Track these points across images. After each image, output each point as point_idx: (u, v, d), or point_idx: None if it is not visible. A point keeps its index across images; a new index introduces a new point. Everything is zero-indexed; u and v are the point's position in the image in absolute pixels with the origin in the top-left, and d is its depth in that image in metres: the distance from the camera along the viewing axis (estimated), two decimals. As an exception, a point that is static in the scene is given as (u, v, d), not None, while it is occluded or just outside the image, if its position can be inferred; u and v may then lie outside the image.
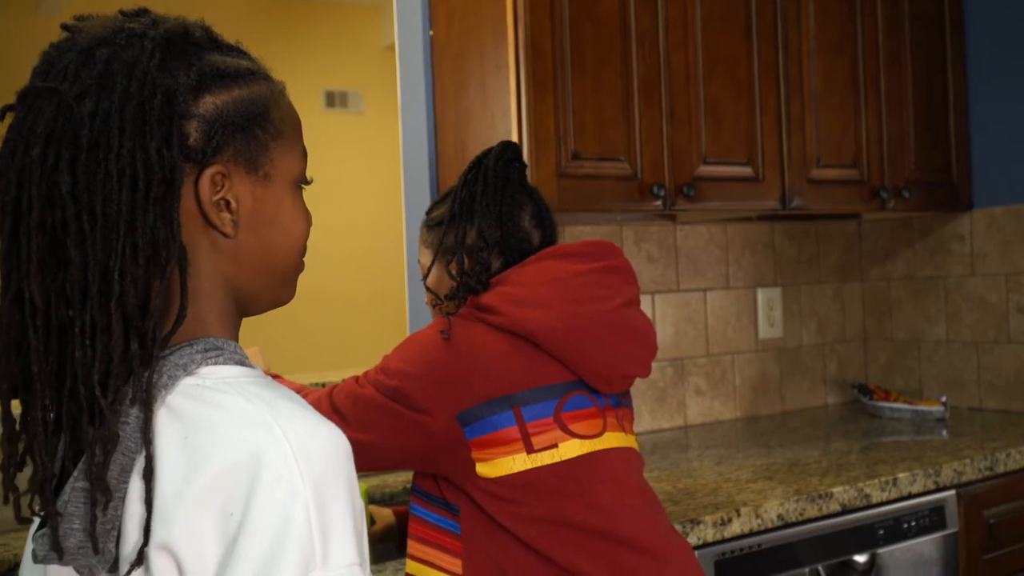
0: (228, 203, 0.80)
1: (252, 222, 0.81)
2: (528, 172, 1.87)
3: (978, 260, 2.61)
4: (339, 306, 5.36)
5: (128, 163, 0.72)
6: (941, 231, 2.69)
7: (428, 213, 1.45)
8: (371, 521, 1.63)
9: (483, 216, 1.33)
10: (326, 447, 0.71)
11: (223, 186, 0.79)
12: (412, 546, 1.28)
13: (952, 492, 1.95)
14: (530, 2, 1.86)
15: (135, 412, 0.72)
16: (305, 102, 5.27)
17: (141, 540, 0.70)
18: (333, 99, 5.42)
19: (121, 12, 0.80)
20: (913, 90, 2.47)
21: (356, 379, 1.31)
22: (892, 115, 2.42)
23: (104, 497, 0.70)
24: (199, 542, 0.68)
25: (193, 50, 0.79)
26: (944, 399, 2.46)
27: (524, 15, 1.86)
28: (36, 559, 0.72)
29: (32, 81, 0.75)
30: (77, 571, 0.73)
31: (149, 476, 0.70)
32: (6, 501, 0.75)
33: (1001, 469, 2.03)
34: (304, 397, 1.33)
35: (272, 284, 0.86)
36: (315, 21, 5.39)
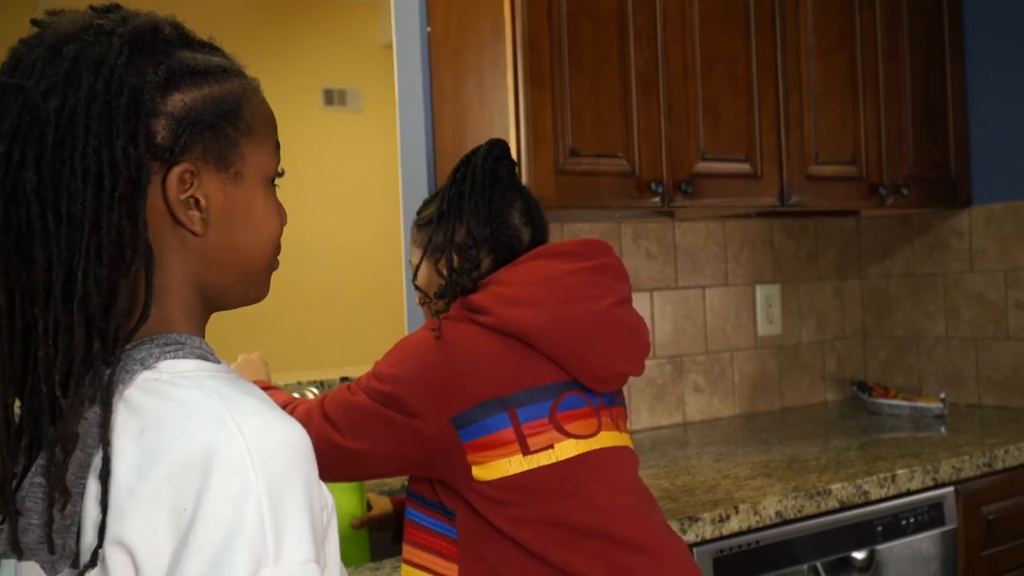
0: (197, 201, 0.78)
1: (223, 220, 0.80)
2: (525, 169, 1.87)
3: (977, 257, 2.60)
4: (337, 304, 5.35)
5: (94, 162, 0.71)
6: (940, 228, 2.68)
7: (418, 212, 1.44)
8: (368, 507, 1.63)
9: (472, 214, 1.32)
10: (283, 443, 0.71)
11: (192, 184, 0.78)
12: (408, 551, 1.27)
13: (951, 489, 1.95)
14: (528, -2, 1.86)
15: (95, 409, 0.71)
16: (303, 100, 5.26)
17: (96, 540, 0.69)
18: (332, 97, 5.41)
19: (92, 7, 0.79)
20: (911, 86, 2.47)
21: (348, 387, 1.28)
22: (891, 111, 2.42)
23: (62, 497, 0.70)
24: (153, 537, 0.68)
25: (162, 47, 0.78)
26: (943, 396, 2.46)
27: (521, 11, 1.86)
28: None
29: (6, 72, 0.74)
30: (41, 567, 0.73)
31: (105, 477, 0.69)
32: None
33: (1000, 465, 2.03)
34: (294, 407, 1.31)
35: (242, 281, 0.85)
36: (313, 18, 5.39)
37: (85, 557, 0.70)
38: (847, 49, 2.35)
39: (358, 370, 2.15)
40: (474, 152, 1.37)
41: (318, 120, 5.34)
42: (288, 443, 0.71)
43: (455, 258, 1.32)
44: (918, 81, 2.48)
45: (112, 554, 0.69)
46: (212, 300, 0.84)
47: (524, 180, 1.87)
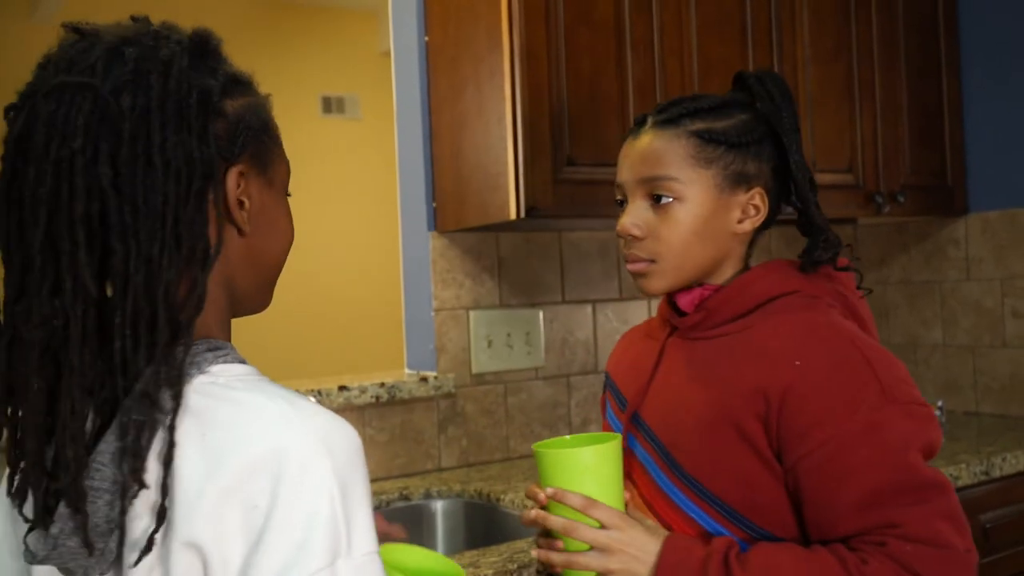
0: (242, 202, 0.82)
1: (258, 222, 0.84)
2: (523, 178, 1.87)
3: (973, 265, 2.61)
4: (336, 311, 5.35)
5: (173, 156, 0.73)
6: (937, 236, 2.69)
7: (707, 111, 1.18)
8: None
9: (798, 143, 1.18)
10: (345, 440, 0.73)
11: (241, 185, 0.82)
12: None
13: (948, 497, 1.95)
14: (525, 7, 1.87)
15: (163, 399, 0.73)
16: (302, 107, 5.27)
17: (152, 525, 0.70)
18: (330, 104, 5.42)
19: (132, 18, 0.82)
20: (908, 95, 2.47)
21: (898, 455, 1.03)
22: (887, 120, 2.42)
23: (136, 485, 0.70)
24: (224, 536, 0.69)
25: (214, 55, 0.82)
26: (940, 403, 2.46)
27: (519, 20, 1.86)
28: (34, 559, 0.73)
29: (55, 77, 0.74)
30: (66, 572, 0.73)
31: (168, 462, 0.70)
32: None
33: (997, 473, 2.03)
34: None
35: (261, 286, 0.88)
36: (312, 26, 5.40)
37: (135, 549, 0.71)
38: (843, 58, 2.35)
39: (357, 378, 2.16)
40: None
41: (317, 128, 5.34)
42: (349, 440, 0.74)
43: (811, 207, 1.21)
44: (914, 90, 2.49)
45: (181, 555, 0.70)
46: (236, 304, 0.86)
47: (521, 189, 1.87)
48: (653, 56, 2.03)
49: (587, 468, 1.06)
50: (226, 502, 0.69)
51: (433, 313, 2.15)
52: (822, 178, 2.29)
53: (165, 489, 0.70)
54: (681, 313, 1.21)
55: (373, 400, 2.04)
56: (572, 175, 1.91)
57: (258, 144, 0.83)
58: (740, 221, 1.17)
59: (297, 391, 0.82)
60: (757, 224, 1.18)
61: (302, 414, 0.73)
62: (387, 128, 2.38)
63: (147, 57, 0.75)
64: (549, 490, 1.07)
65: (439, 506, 1.98)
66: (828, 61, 2.32)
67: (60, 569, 0.74)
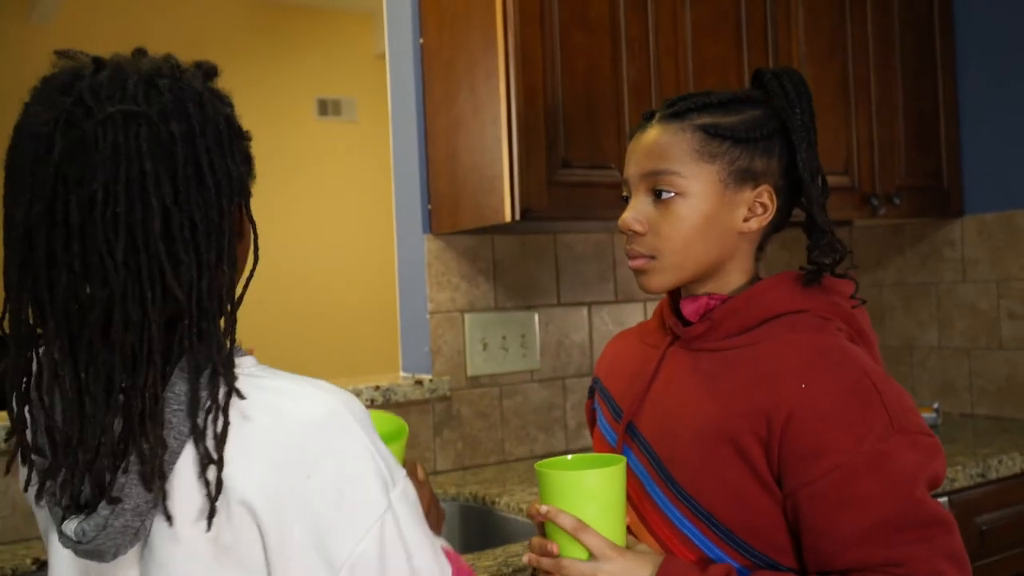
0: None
1: (244, 237, 0.92)
2: (518, 179, 1.87)
3: (969, 266, 2.61)
4: (331, 314, 5.34)
5: (222, 176, 0.84)
6: (932, 237, 2.69)
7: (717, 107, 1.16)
8: None
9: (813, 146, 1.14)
10: (359, 405, 0.87)
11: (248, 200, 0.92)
12: None
13: (944, 499, 1.94)
14: (519, 9, 1.86)
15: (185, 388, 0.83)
16: (297, 110, 5.26)
17: (212, 490, 0.79)
18: (326, 107, 5.41)
19: (137, 50, 0.89)
20: (903, 96, 2.47)
21: (903, 488, 1.01)
22: (882, 121, 2.42)
23: (212, 465, 0.80)
24: (276, 496, 0.80)
25: (216, 85, 0.91)
26: (936, 405, 2.46)
27: (514, 21, 1.86)
28: (79, 544, 0.81)
29: (113, 102, 0.81)
30: (94, 555, 0.82)
31: (223, 438, 0.80)
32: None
33: (993, 476, 2.02)
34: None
35: (232, 291, 0.94)
36: (307, 29, 5.39)
37: (196, 513, 0.81)
38: (838, 58, 2.35)
39: (352, 381, 2.15)
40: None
41: (312, 130, 5.33)
42: (360, 405, 0.87)
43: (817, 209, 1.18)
44: (910, 90, 2.49)
45: (236, 510, 0.80)
46: None
47: (516, 191, 1.87)
48: (648, 56, 2.03)
49: (587, 492, 1.03)
50: (277, 467, 0.80)
51: (428, 316, 2.14)
52: (818, 180, 2.29)
53: (220, 461, 0.80)
54: (686, 322, 1.17)
55: (368, 403, 2.03)
56: (567, 177, 1.91)
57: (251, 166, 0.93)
58: (746, 219, 1.13)
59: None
60: (764, 223, 1.14)
61: (323, 389, 0.85)
62: (383, 131, 2.37)
63: (180, 87, 0.84)
64: (543, 508, 1.05)
65: (434, 509, 1.98)
66: (823, 60, 2.32)
67: (85, 553, 0.82)
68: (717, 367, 1.10)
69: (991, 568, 2.03)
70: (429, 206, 2.14)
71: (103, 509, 0.80)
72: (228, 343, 0.84)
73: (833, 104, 2.33)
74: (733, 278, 1.15)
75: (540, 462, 1.08)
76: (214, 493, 0.80)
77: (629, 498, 1.12)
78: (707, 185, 1.11)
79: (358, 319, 5.38)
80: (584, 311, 2.37)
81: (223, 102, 0.88)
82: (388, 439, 0.98)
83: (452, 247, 2.17)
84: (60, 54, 0.85)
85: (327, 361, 5.04)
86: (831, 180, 2.30)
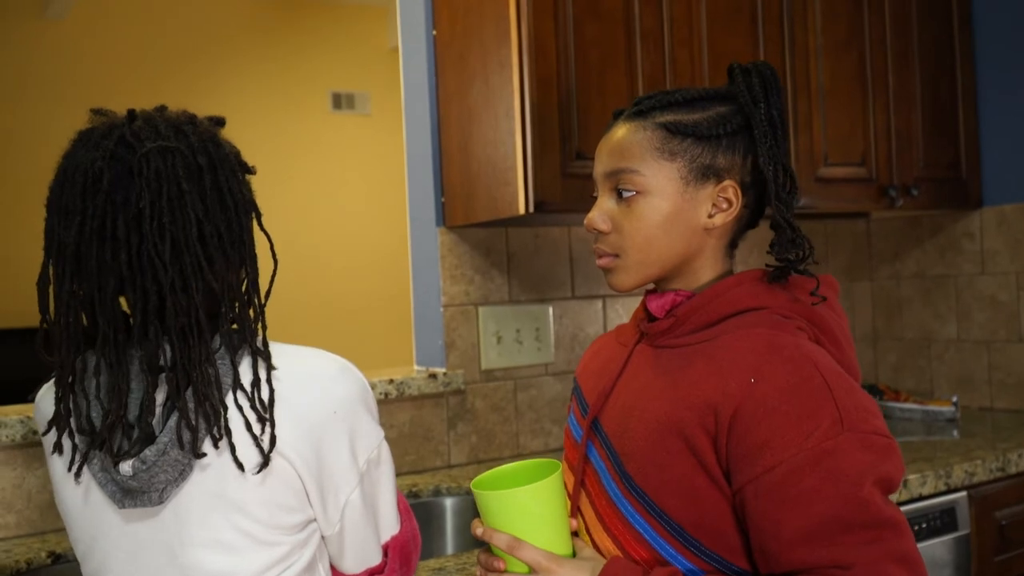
0: None
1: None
2: (532, 171, 1.85)
3: (988, 258, 2.58)
4: (344, 307, 5.35)
5: (239, 198, 1.05)
6: (951, 229, 2.66)
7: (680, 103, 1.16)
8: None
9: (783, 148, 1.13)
10: (349, 364, 1.14)
11: None
12: None
13: (963, 494, 1.93)
14: (533, 1, 1.85)
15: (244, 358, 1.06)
16: (311, 103, 5.26)
17: (265, 442, 1.02)
18: (340, 100, 5.41)
19: (160, 108, 1.11)
20: (921, 87, 2.45)
21: (851, 487, 0.98)
22: (900, 112, 2.40)
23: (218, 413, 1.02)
24: (305, 445, 1.04)
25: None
26: (955, 399, 2.43)
27: (527, 13, 1.85)
28: (134, 475, 1.00)
29: (151, 141, 1.01)
30: (145, 492, 1.01)
31: (271, 396, 1.03)
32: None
33: (1013, 470, 2.00)
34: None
35: None
36: (321, 23, 5.39)
37: (249, 466, 1.03)
38: (856, 49, 2.33)
39: (366, 375, 2.14)
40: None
41: (326, 124, 5.34)
42: (353, 365, 1.15)
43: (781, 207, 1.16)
44: (928, 81, 2.46)
45: (275, 462, 1.03)
46: None
47: (530, 183, 1.86)
48: (663, 48, 2.01)
49: (520, 508, 1.04)
50: (304, 421, 1.05)
51: (442, 309, 2.14)
52: (835, 172, 2.27)
53: (272, 421, 1.03)
54: (653, 318, 1.17)
55: (382, 396, 2.02)
56: (581, 169, 1.90)
57: None
58: (711, 216, 1.12)
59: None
60: (730, 219, 1.13)
61: (326, 354, 1.12)
62: (396, 124, 2.37)
63: (199, 132, 1.05)
64: (478, 531, 1.07)
65: (449, 503, 1.97)
66: (840, 51, 2.30)
67: (134, 493, 1.01)
68: (676, 363, 1.10)
69: (1010, 563, 2.01)
70: (443, 199, 2.13)
71: (162, 437, 1.00)
72: (260, 329, 1.07)
73: (850, 95, 2.31)
74: (702, 274, 1.15)
75: (476, 478, 1.10)
76: (268, 447, 1.01)
77: (588, 495, 1.13)
78: (668, 182, 1.11)
79: (371, 312, 5.38)
80: (599, 304, 2.36)
81: (231, 145, 1.10)
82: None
83: (466, 240, 2.16)
84: (95, 112, 1.07)
85: (341, 354, 5.05)
86: (849, 172, 2.29)
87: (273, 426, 1.02)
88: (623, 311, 2.38)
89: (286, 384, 1.05)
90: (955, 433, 2.28)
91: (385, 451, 1.14)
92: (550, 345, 2.27)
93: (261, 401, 1.02)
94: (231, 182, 1.04)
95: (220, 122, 1.11)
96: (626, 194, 1.12)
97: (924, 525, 1.86)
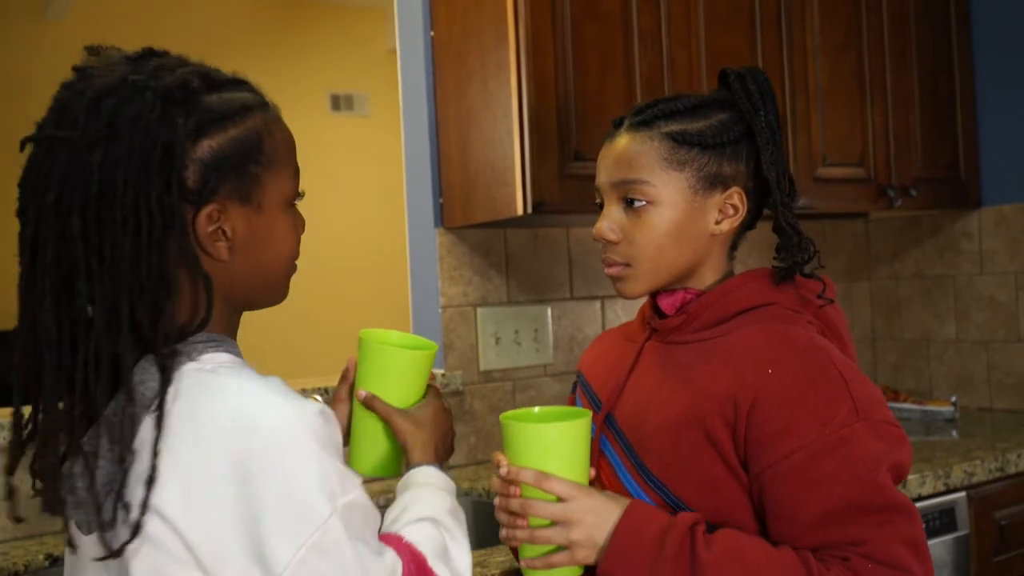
0: (225, 232, 0.89)
1: (247, 246, 0.91)
2: (530, 173, 1.85)
3: (987, 258, 2.58)
4: (343, 308, 5.35)
5: (131, 211, 0.81)
6: (950, 229, 2.66)
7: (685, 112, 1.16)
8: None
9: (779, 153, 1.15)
10: (313, 413, 0.84)
11: (219, 219, 0.88)
12: None
13: (963, 494, 1.92)
14: (531, 2, 1.85)
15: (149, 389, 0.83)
16: (310, 104, 5.26)
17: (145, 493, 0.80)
18: (338, 102, 5.41)
19: (126, 57, 0.89)
20: (919, 87, 2.44)
21: (866, 472, 1.01)
22: (899, 112, 2.40)
23: (127, 452, 0.82)
24: (206, 512, 0.80)
25: (191, 98, 0.86)
26: (954, 399, 2.43)
27: (525, 14, 1.85)
28: (59, 511, 0.86)
29: (47, 126, 0.84)
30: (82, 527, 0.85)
31: (151, 481, 0.80)
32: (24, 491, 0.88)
33: (1012, 470, 2.00)
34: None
35: (265, 290, 0.98)
36: (320, 24, 5.39)
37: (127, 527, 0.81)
38: (854, 49, 2.33)
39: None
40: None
41: (325, 125, 5.34)
42: (315, 408, 0.84)
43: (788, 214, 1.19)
44: (926, 81, 2.46)
45: (152, 526, 0.80)
46: (241, 307, 0.97)
47: (528, 184, 1.86)
48: (661, 49, 2.01)
49: (550, 445, 1.04)
50: (206, 473, 0.80)
51: (440, 310, 2.14)
52: (833, 172, 2.27)
53: (154, 460, 0.80)
54: (663, 315, 1.20)
55: (380, 398, 2.02)
56: (580, 170, 1.90)
57: (240, 177, 0.89)
58: (718, 222, 1.15)
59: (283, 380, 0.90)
60: (736, 224, 1.17)
61: (274, 393, 0.83)
62: (395, 125, 2.37)
63: (121, 111, 0.82)
64: (503, 470, 1.05)
65: (447, 504, 1.97)
66: (838, 52, 2.30)
67: (78, 524, 0.86)
68: (690, 358, 1.13)
69: (1010, 563, 2.01)
70: (441, 200, 2.13)
71: (71, 479, 0.85)
72: (167, 353, 0.84)
73: (848, 96, 2.31)
74: (707, 278, 1.18)
75: (506, 413, 1.09)
76: (137, 517, 0.80)
77: (603, 488, 1.14)
78: (677, 192, 1.13)
79: (370, 313, 5.38)
80: (597, 305, 2.36)
81: (174, 123, 0.84)
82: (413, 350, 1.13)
83: (464, 241, 2.16)
84: (89, 50, 0.89)
85: (339, 355, 5.05)
86: (846, 172, 2.30)
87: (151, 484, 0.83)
88: (622, 312, 2.38)
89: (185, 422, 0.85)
90: (954, 433, 2.28)
91: (332, 542, 0.84)
92: (548, 346, 2.27)
93: (119, 428, 0.84)
94: (128, 189, 0.81)
95: (178, 86, 0.85)
96: (637, 204, 1.13)
97: (923, 526, 1.86)
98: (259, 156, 0.91)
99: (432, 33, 2.14)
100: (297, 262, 1.00)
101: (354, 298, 5.39)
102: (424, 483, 1.05)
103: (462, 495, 1.97)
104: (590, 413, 1.07)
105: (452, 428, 1.19)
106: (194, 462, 0.80)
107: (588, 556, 1.03)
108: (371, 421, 1.15)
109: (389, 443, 1.16)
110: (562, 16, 1.89)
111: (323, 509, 0.81)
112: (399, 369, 1.14)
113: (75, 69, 0.87)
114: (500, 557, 1.47)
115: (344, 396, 1.19)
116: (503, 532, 1.08)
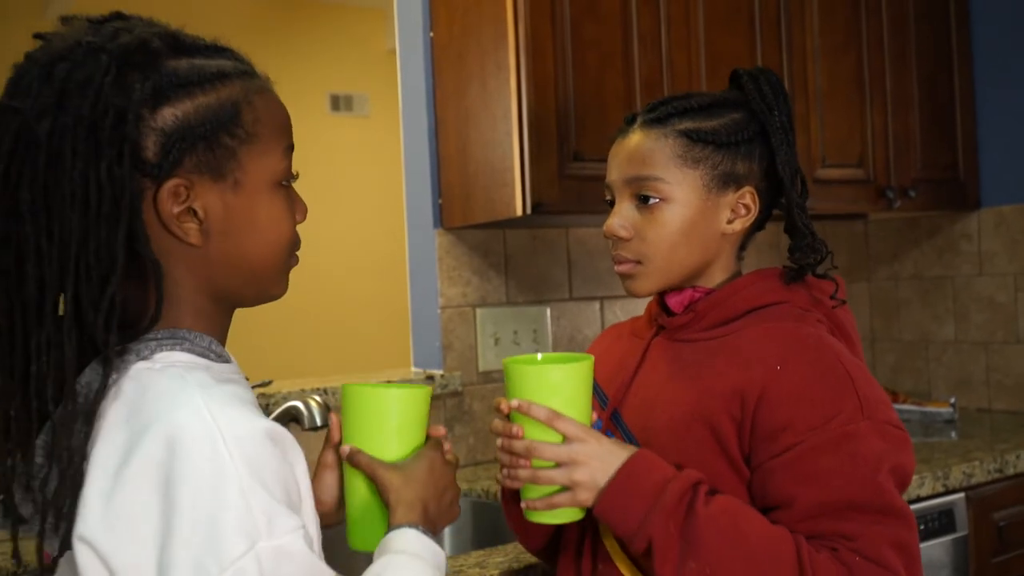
0: (196, 212, 0.80)
1: (224, 228, 0.82)
2: (529, 173, 1.85)
3: (986, 259, 2.58)
4: (342, 309, 5.35)
5: (80, 184, 0.73)
6: (949, 230, 2.66)
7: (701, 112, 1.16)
8: None
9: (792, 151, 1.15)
10: (254, 430, 0.73)
11: (187, 196, 0.79)
12: None
13: (961, 495, 1.92)
14: (530, 2, 1.85)
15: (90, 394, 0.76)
16: (310, 105, 5.26)
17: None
18: (338, 102, 5.41)
19: (88, 19, 0.80)
20: (919, 89, 2.45)
21: (867, 471, 1.02)
22: (898, 114, 2.40)
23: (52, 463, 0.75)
24: (132, 523, 0.70)
25: (151, 61, 0.78)
26: (953, 400, 2.43)
27: (524, 15, 1.85)
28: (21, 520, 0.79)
29: (3, 97, 0.76)
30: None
31: (76, 488, 0.73)
32: None
33: (1011, 471, 2.00)
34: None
35: (254, 283, 0.86)
36: (320, 24, 5.39)
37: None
38: (853, 51, 2.33)
39: (363, 377, 2.14)
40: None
41: (325, 125, 5.33)
42: (259, 430, 0.74)
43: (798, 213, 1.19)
44: (925, 83, 2.46)
45: (79, 549, 0.72)
46: (228, 301, 0.86)
47: (528, 185, 1.86)
48: (660, 50, 2.01)
49: (555, 386, 1.03)
50: (138, 485, 0.71)
51: (439, 311, 2.14)
52: (832, 173, 2.27)
53: (62, 475, 0.73)
54: (670, 313, 1.20)
55: (379, 398, 2.02)
56: (579, 171, 1.90)
57: (208, 149, 0.79)
58: (730, 221, 1.15)
59: (252, 384, 0.84)
60: (747, 224, 1.16)
61: (212, 402, 0.73)
62: (395, 126, 2.37)
63: (72, 76, 0.75)
64: (515, 402, 1.02)
65: (446, 505, 1.97)
66: (838, 53, 2.30)
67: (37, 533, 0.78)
68: (698, 356, 1.13)
69: (1008, 564, 2.01)
70: (440, 200, 2.13)
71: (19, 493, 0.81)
72: (101, 378, 0.75)
73: (848, 97, 2.31)
74: (716, 277, 1.18)
75: (508, 358, 1.07)
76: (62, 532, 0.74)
77: None
78: (691, 190, 1.13)
79: (369, 314, 5.38)
80: (596, 305, 2.36)
81: (129, 89, 0.75)
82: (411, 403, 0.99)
83: (463, 241, 2.16)
84: (63, 20, 0.81)
85: (338, 356, 5.05)
86: (845, 173, 2.30)
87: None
88: (621, 313, 2.38)
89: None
90: (953, 434, 2.28)
91: None
92: (548, 347, 2.27)
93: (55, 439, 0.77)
94: (77, 160, 0.73)
95: (136, 48, 0.77)
96: (651, 201, 1.13)
97: (922, 527, 1.86)
98: (234, 128, 0.80)
99: (432, 34, 2.14)
100: (299, 253, 0.90)
101: (353, 298, 5.38)
102: (399, 550, 0.87)
103: (461, 496, 1.97)
104: (592, 357, 1.06)
105: (454, 484, 1.00)
106: (122, 471, 0.71)
107: (589, 499, 1.02)
108: (358, 482, 0.98)
109: (382, 508, 0.98)
110: (562, 17, 1.89)
111: (234, 549, 0.68)
112: (382, 413, 0.98)
113: (36, 36, 0.80)
114: (500, 557, 1.47)
115: (330, 461, 1.03)
116: (503, 473, 1.05)
